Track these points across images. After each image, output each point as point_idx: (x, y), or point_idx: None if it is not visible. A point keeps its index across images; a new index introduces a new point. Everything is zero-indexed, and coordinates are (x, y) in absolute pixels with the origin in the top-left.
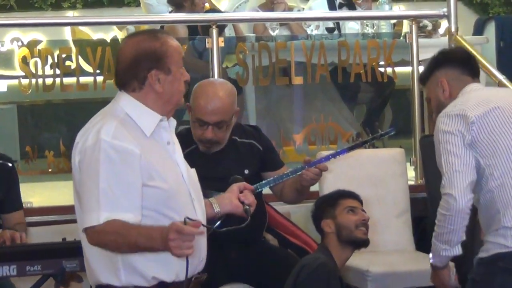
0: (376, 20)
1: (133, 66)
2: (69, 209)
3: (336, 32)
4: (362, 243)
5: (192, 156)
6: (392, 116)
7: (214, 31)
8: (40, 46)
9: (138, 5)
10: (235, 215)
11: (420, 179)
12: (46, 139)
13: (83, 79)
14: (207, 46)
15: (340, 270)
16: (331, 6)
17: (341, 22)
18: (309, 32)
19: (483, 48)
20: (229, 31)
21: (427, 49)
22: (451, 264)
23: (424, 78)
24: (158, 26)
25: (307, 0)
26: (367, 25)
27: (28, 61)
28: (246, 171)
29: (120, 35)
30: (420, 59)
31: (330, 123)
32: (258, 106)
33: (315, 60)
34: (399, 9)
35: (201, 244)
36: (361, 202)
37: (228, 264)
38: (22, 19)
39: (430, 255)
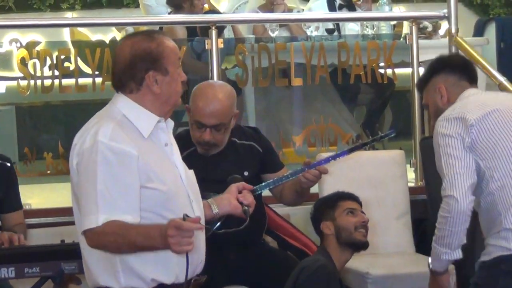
0: (376, 21)
1: (130, 67)
2: (68, 211)
3: (336, 33)
4: (361, 245)
5: (192, 158)
6: (392, 118)
7: (214, 32)
8: (38, 47)
9: (137, 6)
10: (234, 216)
11: (420, 181)
12: (44, 140)
13: (81, 81)
14: (206, 47)
15: (340, 272)
16: (331, 7)
17: (341, 23)
18: (308, 33)
19: (484, 49)
20: (228, 33)
21: (427, 50)
22: (452, 267)
23: (421, 85)
24: (157, 27)
25: (306, 1)
26: (367, 26)
27: (26, 62)
28: (246, 173)
29: (119, 36)
30: (420, 60)
31: (330, 125)
32: (258, 107)
33: (315, 62)
34: (399, 10)
35: (200, 245)
36: (360, 204)
37: (228, 266)
38: (20, 20)
39: (429, 260)
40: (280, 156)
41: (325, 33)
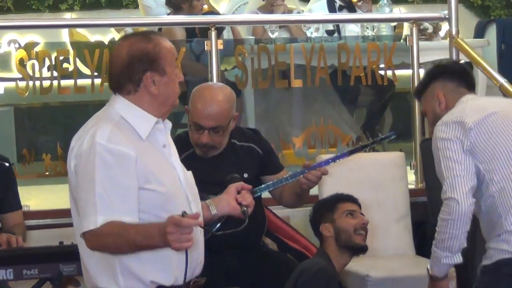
0: (376, 22)
1: (128, 68)
2: (67, 213)
3: (336, 34)
4: (360, 249)
5: (191, 160)
6: (392, 120)
7: (213, 33)
8: (37, 48)
9: (136, 7)
10: (233, 217)
11: (420, 183)
12: (43, 142)
13: (80, 82)
14: (205, 49)
15: (340, 275)
16: (331, 8)
17: (341, 25)
18: (308, 34)
19: (484, 51)
20: (227, 34)
21: (428, 52)
22: (452, 270)
23: (419, 92)
24: (156, 28)
25: (306, 2)
26: (367, 28)
27: (25, 63)
28: (246, 175)
29: (118, 37)
30: (420, 62)
31: (330, 126)
32: (257, 109)
33: (315, 63)
34: (399, 12)
35: (199, 245)
36: (359, 205)
37: (227, 268)
38: (19, 21)
39: (429, 265)
40: (279, 157)
41: (325, 34)
